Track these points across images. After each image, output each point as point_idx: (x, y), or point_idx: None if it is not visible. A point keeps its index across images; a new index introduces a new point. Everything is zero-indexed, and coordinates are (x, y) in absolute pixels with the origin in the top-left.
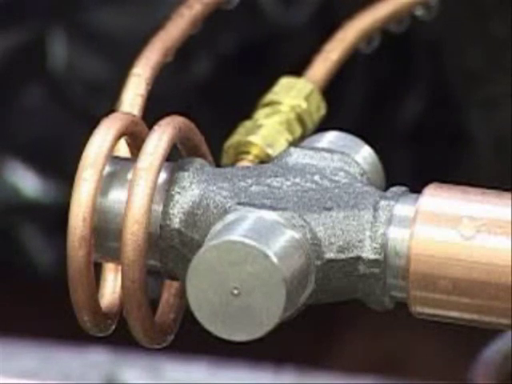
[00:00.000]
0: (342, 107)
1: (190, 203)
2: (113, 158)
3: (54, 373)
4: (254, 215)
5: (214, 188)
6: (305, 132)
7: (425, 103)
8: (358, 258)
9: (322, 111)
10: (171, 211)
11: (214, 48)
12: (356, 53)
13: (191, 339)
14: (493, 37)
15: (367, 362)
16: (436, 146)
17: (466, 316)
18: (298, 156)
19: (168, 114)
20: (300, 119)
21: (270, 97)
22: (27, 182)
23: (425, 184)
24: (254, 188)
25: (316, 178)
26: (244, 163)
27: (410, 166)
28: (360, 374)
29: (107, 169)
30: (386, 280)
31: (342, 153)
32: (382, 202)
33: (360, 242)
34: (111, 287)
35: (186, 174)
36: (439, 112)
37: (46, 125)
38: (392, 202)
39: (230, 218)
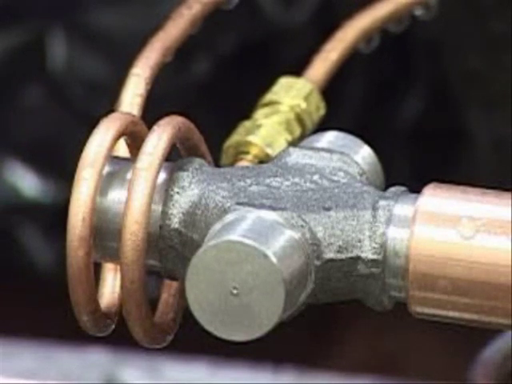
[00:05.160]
0: (342, 107)
1: (190, 203)
2: (112, 158)
3: (54, 373)
4: (253, 215)
5: (214, 188)
6: (304, 132)
7: (424, 103)
8: (358, 258)
9: (322, 111)
10: (170, 211)
11: (213, 48)
12: (356, 53)
13: (191, 339)
14: (492, 37)
15: (367, 362)
16: (435, 146)
17: (466, 316)
18: (297, 156)
19: (167, 114)
20: (299, 119)
21: (269, 97)
22: (27, 182)
23: (424, 184)
24: (253, 188)
25: (315, 177)
26: (243, 163)
27: (409, 166)
28: (360, 374)
29: (107, 169)
30: (386, 280)
31: (342, 153)
32: (382, 202)
33: (359, 241)
34: (111, 287)
35: (186, 173)
36: (439, 112)
37: (45, 125)
38: (391, 202)
39: (229, 217)
